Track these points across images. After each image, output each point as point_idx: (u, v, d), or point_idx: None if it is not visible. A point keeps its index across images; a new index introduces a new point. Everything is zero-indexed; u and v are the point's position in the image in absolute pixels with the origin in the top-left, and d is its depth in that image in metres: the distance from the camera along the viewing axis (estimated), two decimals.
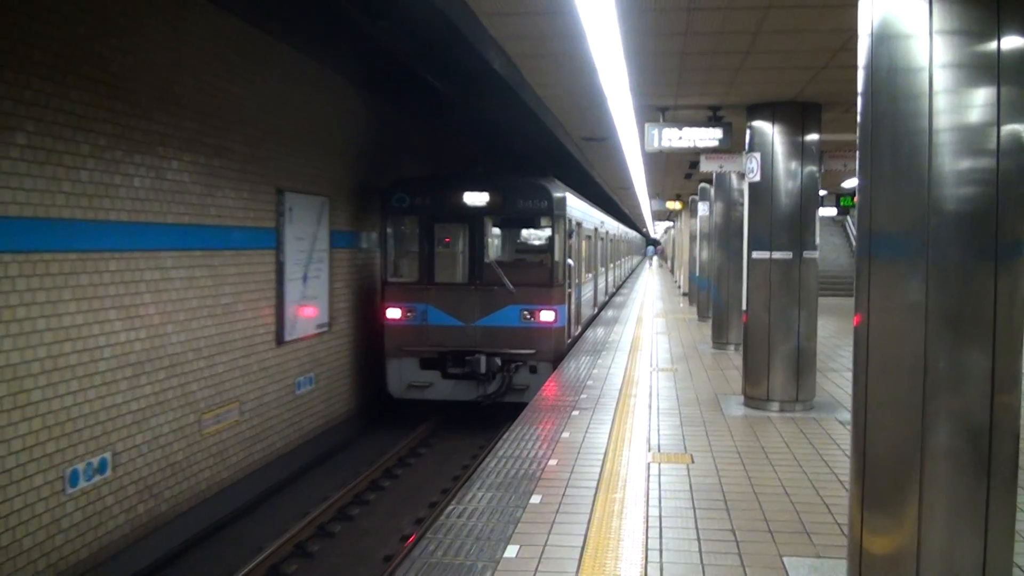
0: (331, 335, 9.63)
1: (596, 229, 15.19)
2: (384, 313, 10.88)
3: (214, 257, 7.15)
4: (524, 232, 12.97)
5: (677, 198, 21.16)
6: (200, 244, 6.95)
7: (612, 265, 20.61)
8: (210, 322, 7.12)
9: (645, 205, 26.68)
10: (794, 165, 6.99)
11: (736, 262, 10.54)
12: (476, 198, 10.99)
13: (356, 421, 10.12)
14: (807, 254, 7.05)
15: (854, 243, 3.75)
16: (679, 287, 25.19)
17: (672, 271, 35.73)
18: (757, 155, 7.06)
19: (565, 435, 6.07)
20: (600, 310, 15.51)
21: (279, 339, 8.35)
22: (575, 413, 6.95)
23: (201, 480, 6.98)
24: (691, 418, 6.91)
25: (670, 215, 32.51)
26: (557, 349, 10.96)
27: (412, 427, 10.87)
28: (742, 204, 10.39)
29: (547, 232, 11.32)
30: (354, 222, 10.25)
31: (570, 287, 11.78)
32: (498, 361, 10.73)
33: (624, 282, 29.76)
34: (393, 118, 11.26)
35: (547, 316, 10.87)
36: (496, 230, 12.19)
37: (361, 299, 10.56)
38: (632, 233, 40.50)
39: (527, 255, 12.26)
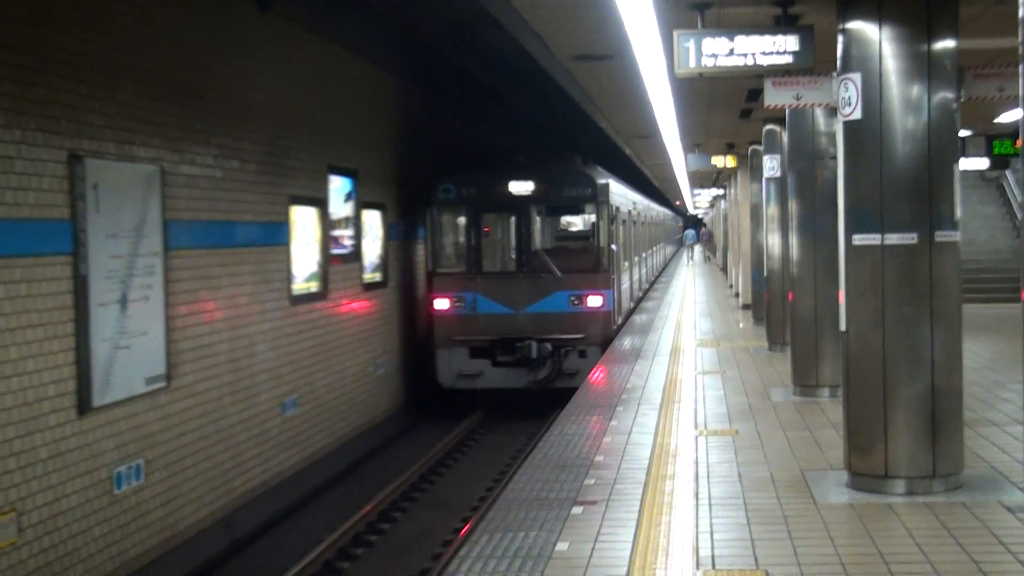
0: (172, 395, 9.69)
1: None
2: (432, 304, 17.22)
3: None
4: (569, 219, 20.97)
5: (728, 150, 21.46)
6: None
7: (627, 264, 22.62)
8: None
9: (678, 164, 27.22)
10: (916, 91, 7.02)
11: (828, 252, 10.87)
12: (522, 187, 17.38)
13: (219, 537, 10.46)
14: (942, 236, 7.11)
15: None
16: (735, 294, 26.16)
17: (724, 268, 36.76)
18: (857, 77, 7.10)
19: (561, 547, 6.26)
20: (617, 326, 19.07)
21: (83, 405, 8.33)
22: (576, 511, 7.00)
23: None
24: (763, 511, 6.93)
25: (718, 178, 33.37)
26: (605, 333, 17.28)
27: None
28: (833, 159, 10.61)
29: (591, 218, 18.00)
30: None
31: (614, 272, 18.39)
32: (549, 346, 16.86)
33: (651, 286, 32.13)
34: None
35: (595, 301, 17.14)
36: (541, 217, 18.58)
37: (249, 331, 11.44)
38: (659, 210, 43.24)
39: (572, 242, 19.75)
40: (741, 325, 19.39)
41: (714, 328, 18.88)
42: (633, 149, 24.40)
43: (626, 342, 16.98)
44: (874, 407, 7.16)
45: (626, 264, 21.64)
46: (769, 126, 14.89)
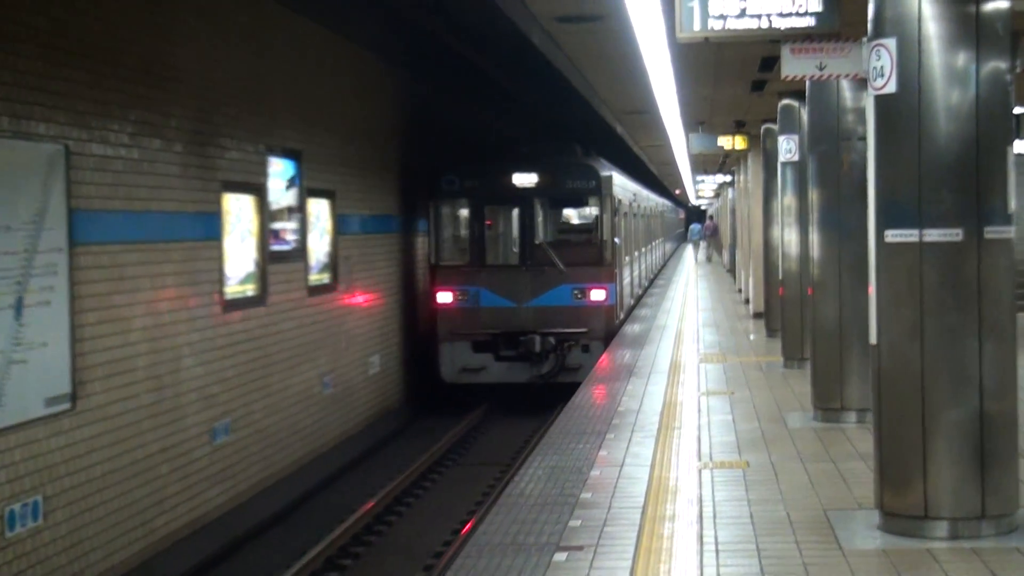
0: (79, 419, 9.61)
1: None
2: (435, 297, 20.36)
3: None
4: (572, 211, 23.92)
5: (737, 130, 21.55)
6: None
7: (629, 258, 25.44)
8: None
9: (678, 145, 27.42)
10: (963, 60, 7.02)
11: (855, 251, 10.94)
12: (525, 179, 20.64)
13: None
14: (993, 232, 7.12)
15: None
16: (744, 299, 26.60)
17: (731, 269, 37.18)
18: (891, 43, 7.08)
19: None
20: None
21: None
22: (560, 557, 7.06)
23: None
24: (779, 558, 6.93)
25: (725, 163, 33.50)
26: (608, 328, 20.36)
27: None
28: (862, 140, 10.65)
29: (595, 211, 21.39)
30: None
31: (617, 266, 21.75)
32: (552, 340, 19.99)
33: (645, 291, 33.17)
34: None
35: (598, 295, 20.22)
36: (544, 210, 21.74)
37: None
38: (656, 200, 44.51)
39: (575, 235, 22.43)
40: (752, 337, 19.71)
41: (720, 340, 19.16)
42: (625, 127, 24.59)
43: (617, 357, 17.23)
44: (911, 435, 7.17)
45: (627, 259, 25.15)
46: (786, 101, 14.98)
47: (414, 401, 20.20)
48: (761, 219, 20.21)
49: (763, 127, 19.34)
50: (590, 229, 21.93)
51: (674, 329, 21.09)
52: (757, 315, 21.99)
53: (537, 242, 20.80)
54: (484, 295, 20.34)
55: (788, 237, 15.27)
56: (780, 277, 15.95)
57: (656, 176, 49.82)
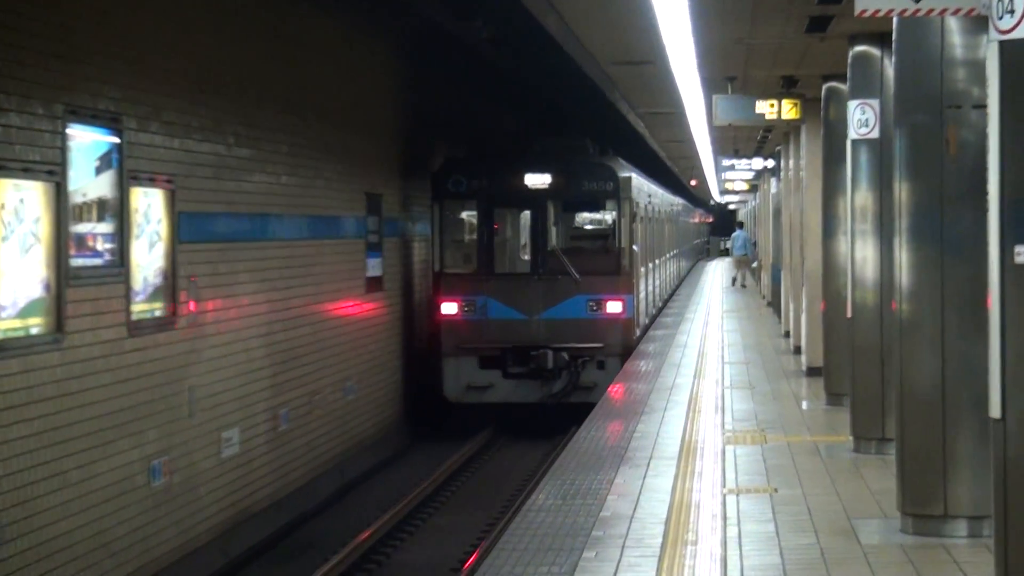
0: None
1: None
2: (439, 308, 26.55)
3: None
4: (588, 216, 30.62)
5: (786, 90, 21.94)
6: None
7: (648, 267, 33.89)
8: None
9: (695, 115, 27.57)
10: None
11: (966, 275, 11.10)
12: (538, 180, 26.85)
13: None
14: None
15: None
16: (792, 347, 27.50)
17: (772, 300, 38.59)
18: None
19: None
20: None
21: None
22: None
23: None
24: None
25: (764, 141, 34.37)
26: (626, 342, 26.79)
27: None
28: (980, 108, 10.75)
29: (612, 215, 27.67)
30: None
31: (635, 276, 28.23)
32: (565, 356, 26.09)
33: (652, 322, 37.63)
34: None
35: (614, 307, 26.39)
36: (557, 214, 28.07)
37: None
38: (668, 198, 48.05)
39: (591, 241, 29.04)
40: (805, 405, 19.99)
41: (756, 410, 19.34)
42: (618, 84, 24.48)
43: (601, 435, 17.59)
44: None
45: (645, 268, 32.69)
46: (861, 48, 15.28)
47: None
48: (819, 226, 20.33)
49: (825, 87, 19.49)
50: (606, 235, 28.10)
51: (687, 391, 21.38)
52: (812, 371, 22.38)
53: (550, 248, 27.08)
54: (492, 306, 26.46)
55: (861, 254, 15.45)
56: (849, 314, 15.96)
57: (661, 160, 49.78)
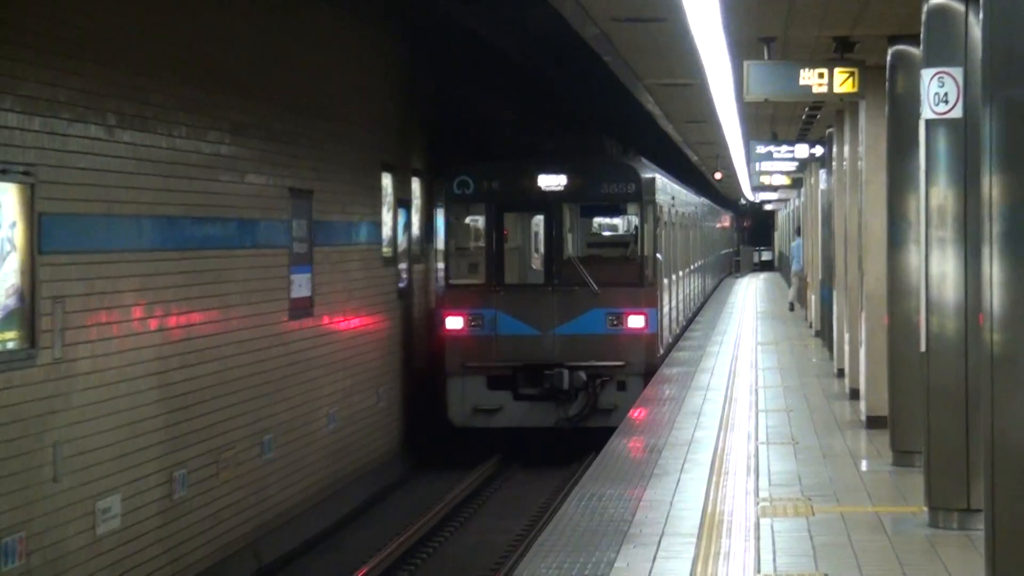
0: None
1: None
2: (444, 322, 31.46)
3: None
4: (607, 221, 39.53)
5: (840, 55, 21.75)
6: None
7: (673, 277, 38.32)
8: None
9: (721, 88, 28.16)
10: None
11: None
12: (553, 181, 31.59)
13: None
14: None
15: None
16: (848, 389, 27.68)
17: (824, 332, 38.76)
18: None
19: None
20: None
21: None
22: None
23: None
24: None
25: (811, 123, 35.34)
26: (649, 360, 31.53)
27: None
28: None
29: (634, 220, 33.54)
30: None
31: (659, 288, 33.61)
32: (582, 376, 30.55)
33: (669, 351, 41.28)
34: None
35: (636, 321, 31.04)
36: (574, 219, 33.88)
37: None
38: (684, 197, 49.88)
39: (610, 248, 35.84)
40: (864, 465, 20.06)
41: (801, 471, 19.36)
42: (619, 47, 24.18)
43: (600, 497, 17.80)
44: None
45: (665, 281, 36.22)
46: (939, 0, 15.35)
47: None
48: (883, 232, 20.35)
49: (891, 51, 19.49)
50: (627, 242, 32.92)
51: (710, 447, 21.54)
52: (874, 422, 22.70)
53: (566, 257, 31.13)
54: (502, 320, 30.30)
55: (939, 268, 15.35)
56: (922, 347, 15.84)
57: (676, 146, 49.94)
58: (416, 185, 33.65)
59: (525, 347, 29.54)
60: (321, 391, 25.63)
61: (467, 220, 31.62)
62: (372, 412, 28.81)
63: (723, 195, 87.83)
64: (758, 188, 64.13)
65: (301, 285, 24.37)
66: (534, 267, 32.50)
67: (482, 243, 31.02)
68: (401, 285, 31.55)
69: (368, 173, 29.08)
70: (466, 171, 30.12)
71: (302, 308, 24.51)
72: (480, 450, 30.04)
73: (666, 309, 34.49)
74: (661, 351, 31.94)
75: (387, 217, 30.57)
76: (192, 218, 19.81)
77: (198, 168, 20.00)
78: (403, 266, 31.97)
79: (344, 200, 27.38)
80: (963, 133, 14.84)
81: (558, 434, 29.65)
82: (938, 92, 15.05)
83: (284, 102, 23.87)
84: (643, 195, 30.34)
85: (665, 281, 35.25)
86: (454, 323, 29.81)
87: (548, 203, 30.67)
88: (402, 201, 31.91)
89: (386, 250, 30.40)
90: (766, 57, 21.69)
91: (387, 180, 30.49)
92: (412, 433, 31.42)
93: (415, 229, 33.38)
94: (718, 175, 64.81)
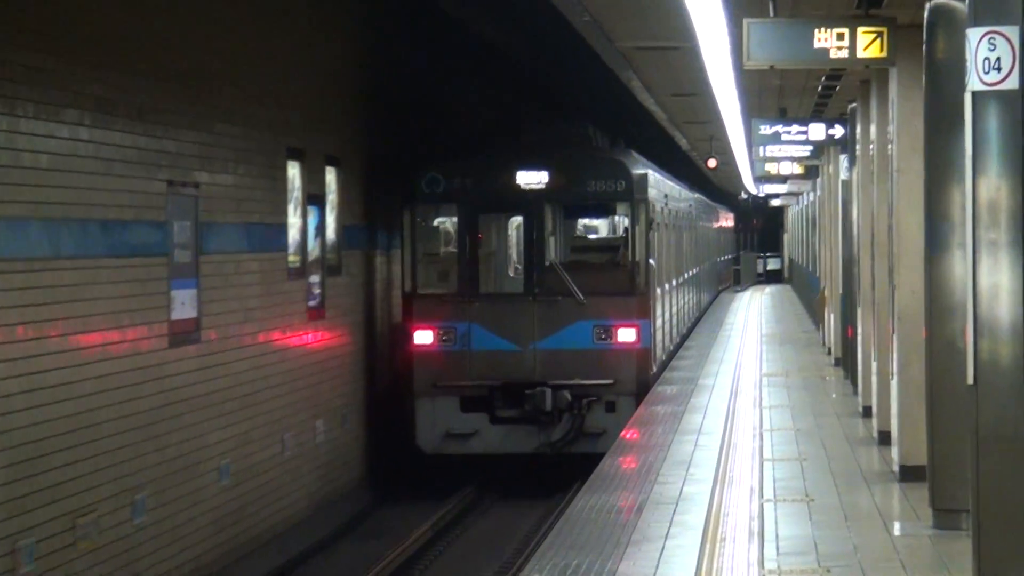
0: None
1: None
2: (411, 337, 35.50)
3: None
4: (594, 223, 45.41)
5: (865, 14, 22.63)
6: None
7: (668, 286, 40.58)
8: None
9: (714, 49, 28.47)
10: None
11: None
12: (533, 179, 35.15)
13: None
14: None
15: None
16: (876, 431, 28.63)
17: (845, 360, 39.41)
18: None
19: None
20: None
21: None
22: None
23: None
24: None
25: (830, 96, 36.08)
26: (641, 378, 35.69)
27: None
28: None
29: (624, 222, 37.55)
30: None
31: (652, 297, 38.57)
32: (568, 396, 34.17)
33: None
34: None
35: (627, 335, 34.80)
36: (557, 221, 37.28)
37: None
38: (678, 193, 53.02)
39: (598, 254, 38.39)
40: (898, 528, 20.25)
41: (817, 536, 19.70)
42: (588, 3, 23.95)
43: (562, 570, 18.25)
44: None
45: (658, 291, 38.82)
46: None
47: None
48: (921, 232, 20.10)
49: (929, 6, 19.16)
50: (617, 246, 34.77)
51: (702, 506, 21.75)
52: (909, 473, 23.14)
53: (548, 263, 33.48)
54: (476, 334, 32.62)
55: (990, 279, 14.92)
56: (970, 379, 15.32)
57: (658, 125, 50.07)
58: (331, 177, 32.93)
59: (503, 364, 31.70)
60: (210, 437, 25.00)
61: (436, 222, 33.37)
62: (281, 460, 28.40)
63: (719, 187, 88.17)
64: (762, 179, 64.24)
65: (184, 303, 23.69)
66: (512, 275, 35.09)
67: (454, 248, 32.80)
68: (311, 303, 30.66)
69: (270, 162, 28.45)
70: (435, 167, 31.70)
71: (185, 332, 23.81)
72: (453, 480, 30.90)
73: (659, 321, 36.91)
74: (654, 368, 33.60)
75: (294, 218, 29.72)
76: (40, 220, 19.13)
77: (48, 157, 19.27)
78: (315, 278, 31.07)
79: (240, 196, 26.72)
80: (1020, 108, 14.41)
81: (540, 461, 31.39)
82: (988, 57, 14.75)
83: (161, 71, 23.28)
84: (634, 193, 32.42)
85: (658, 290, 37.40)
86: (423, 337, 31.83)
87: (527, 203, 32.78)
88: (313, 197, 31.26)
89: (292, 258, 29.45)
90: (772, 14, 21.52)
91: (294, 171, 29.75)
92: (374, 463, 32.38)
93: (330, 232, 32.49)
94: (712, 162, 64.61)
